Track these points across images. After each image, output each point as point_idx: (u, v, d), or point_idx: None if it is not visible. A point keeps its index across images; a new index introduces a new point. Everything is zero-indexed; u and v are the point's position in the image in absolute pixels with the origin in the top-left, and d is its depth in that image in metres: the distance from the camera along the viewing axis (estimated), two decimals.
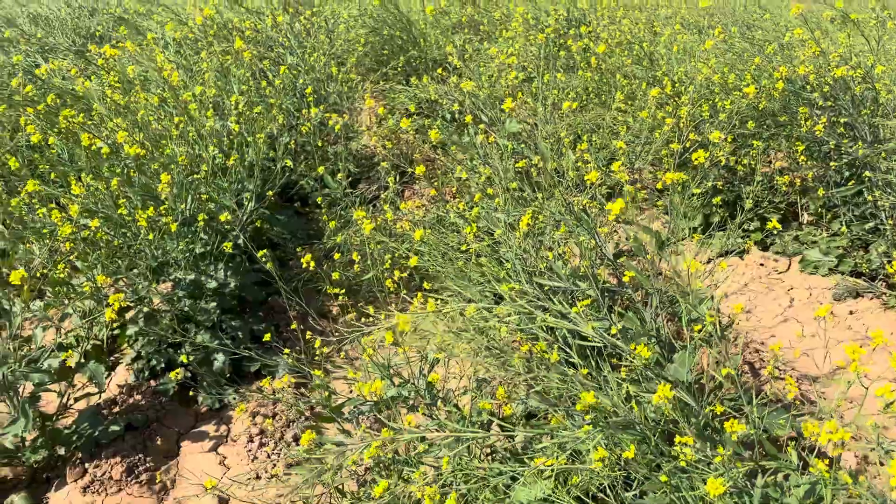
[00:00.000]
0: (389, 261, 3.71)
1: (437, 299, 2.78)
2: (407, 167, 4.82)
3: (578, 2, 7.88)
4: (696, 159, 2.76)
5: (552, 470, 1.81)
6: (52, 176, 3.52)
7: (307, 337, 2.99)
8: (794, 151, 4.46)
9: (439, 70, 6.39)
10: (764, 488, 1.78)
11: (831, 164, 4.29)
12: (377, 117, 6.01)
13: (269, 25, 6.60)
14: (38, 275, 2.96)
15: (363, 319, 2.89)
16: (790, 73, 4.33)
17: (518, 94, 4.97)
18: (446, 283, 3.11)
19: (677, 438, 1.76)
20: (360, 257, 3.74)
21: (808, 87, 4.36)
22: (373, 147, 5.82)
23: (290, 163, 4.53)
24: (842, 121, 4.12)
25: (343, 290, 3.31)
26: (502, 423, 2.16)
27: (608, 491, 1.86)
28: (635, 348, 1.99)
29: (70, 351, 2.85)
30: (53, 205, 3.38)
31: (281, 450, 3.06)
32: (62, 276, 3.10)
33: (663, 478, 1.79)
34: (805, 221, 4.52)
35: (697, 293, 2.37)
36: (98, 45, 6.50)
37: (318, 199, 4.53)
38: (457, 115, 5.71)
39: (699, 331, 2.20)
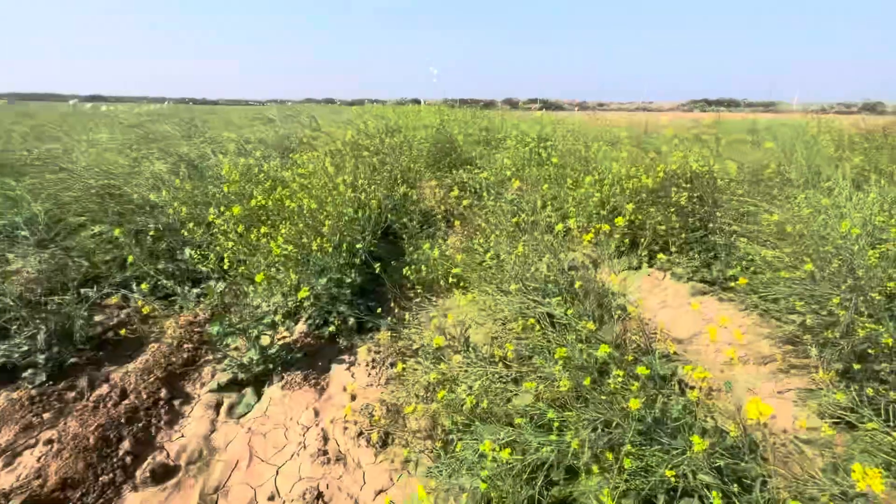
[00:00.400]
0: (441, 270, 3.72)
1: (468, 292, 2.79)
2: (451, 219, 4.84)
3: (545, 128, 7.83)
4: (617, 222, 2.71)
5: (536, 390, 1.80)
6: (268, 222, 3.63)
7: (398, 311, 3.00)
8: (668, 213, 4.37)
9: (468, 165, 6.42)
10: (655, 405, 1.73)
11: (689, 219, 4.18)
12: (433, 191, 6.04)
13: (378, 142, 6.72)
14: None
15: (427, 302, 2.91)
16: (666, 168, 4.24)
17: (514, 180, 4.97)
18: (474, 284, 3.11)
19: (614, 371, 1.73)
20: (425, 268, 3.76)
21: (675, 176, 4.27)
22: (431, 206, 5.86)
23: (390, 216, 4.58)
24: (696, 195, 4.02)
25: (419, 287, 3.33)
26: (506, 362, 2.15)
27: (566, 400, 1.84)
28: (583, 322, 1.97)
29: (285, 312, 2.87)
30: (268, 238, 3.48)
31: (383, 370, 3.07)
32: (272, 273, 3.18)
33: (600, 396, 1.76)
34: (673, 251, 4.41)
35: (617, 294, 2.33)
36: (292, 153, 6.70)
37: (403, 235, 4.58)
38: (477, 189, 5.73)
39: (618, 314, 2.17)
